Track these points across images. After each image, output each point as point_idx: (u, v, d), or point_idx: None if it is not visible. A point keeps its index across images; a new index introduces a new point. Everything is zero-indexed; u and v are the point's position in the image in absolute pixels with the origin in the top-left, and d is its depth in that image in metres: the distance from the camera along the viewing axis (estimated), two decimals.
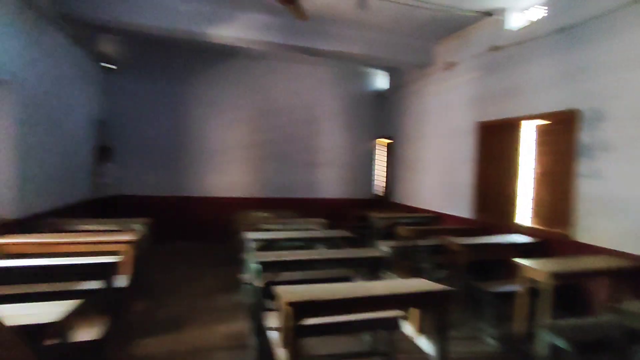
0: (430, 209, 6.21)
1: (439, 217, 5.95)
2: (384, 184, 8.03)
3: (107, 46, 6.44)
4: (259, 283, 3.00)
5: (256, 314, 3.03)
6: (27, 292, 2.50)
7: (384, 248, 4.34)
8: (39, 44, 4.13)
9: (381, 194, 8.10)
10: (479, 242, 4.05)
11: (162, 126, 6.89)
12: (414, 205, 6.73)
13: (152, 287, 4.52)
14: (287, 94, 7.58)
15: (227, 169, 7.27)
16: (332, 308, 2.15)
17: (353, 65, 7.78)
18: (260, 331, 2.92)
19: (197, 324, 3.63)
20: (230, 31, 5.24)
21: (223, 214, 6.50)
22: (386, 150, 8.04)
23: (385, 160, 8.05)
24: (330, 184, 7.90)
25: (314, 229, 4.80)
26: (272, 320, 2.69)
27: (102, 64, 6.31)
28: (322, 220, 5.08)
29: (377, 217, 5.72)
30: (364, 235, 5.68)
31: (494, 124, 5.00)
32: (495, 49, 4.91)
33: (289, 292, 2.13)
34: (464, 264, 3.85)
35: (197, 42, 6.12)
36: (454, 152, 5.73)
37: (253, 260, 3.09)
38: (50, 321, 1.74)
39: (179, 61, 6.95)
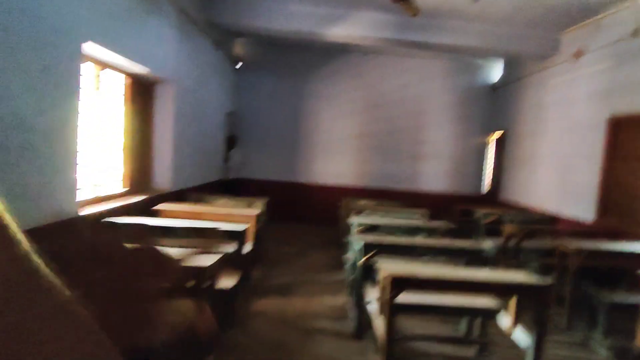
0: (541, 208, 5.81)
1: (551, 218, 5.54)
2: (491, 180, 7.67)
3: (238, 47, 7.40)
4: (360, 262, 3.33)
5: (356, 289, 3.37)
6: (182, 245, 3.22)
7: (487, 244, 4.29)
8: (189, 47, 5.04)
9: (488, 190, 7.76)
10: (599, 248, 3.75)
11: (280, 117, 7.68)
12: (523, 203, 6.34)
13: (267, 257, 5.20)
14: (396, 87, 7.73)
15: (335, 158, 7.77)
16: (430, 285, 2.35)
17: (464, 58, 7.55)
18: (360, 305, 3.26)
19: (303, 293, 4.13)
20: (344, 30, 5.62)
21: (330, 199, 7.02)
22: (495, 144, 7.65)
23: (494, 155, 7.67)
24: (434, 177, 7.86)
25: (415, 218, 4.94)
26: (371, 295, 2.99)
27: (234, 63, 7.28)
28: (424, 211, 5.19)
29: (482, 213, 5.59)
30: (467, 230, 5.61)
31: (631, 120, 4.47)
32: (637, 33, 4.36)
33: (389, 267, 2.40)
34: (576, 268, 3.62)
35: (314, 41, 6.66)
36: (575, 148, 5.26)
37: (356, 241, 3.43)
38: (206, 265, 2.31)
39: (298, 59, 7.62)
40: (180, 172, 4.95)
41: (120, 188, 4.07)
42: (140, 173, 4.41)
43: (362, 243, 3.26)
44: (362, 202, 5.84)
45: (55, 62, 2.58)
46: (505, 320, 2.90)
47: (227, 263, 2.95)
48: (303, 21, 5.53)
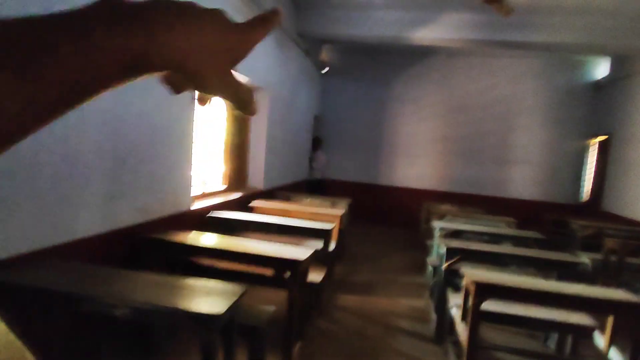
0: None
1: None
2: (591, 189, 6.99)
3: (325, 53, 7.74)
4: (444, 266, 3.37)
5: (439, 293, 3.42)
6: (275, 241, 3.57)
7: (584, 258, 4.01)
8: (283, 56, 5.45)
9: (586, 200, 7.09)
10: None
11: (363, 120, 7.86)
12: (629, 216, 5.71)
13: (350, 255, 5.42)
14: (482, 89, 7.45)
15: (417, 161, 7.73)
16: (517, 295, 2.35)
17: (561, 55, 6.99)
18: (441, 309, 3.31)
19: (385, 292, 4.27)
20: (431, 33, 5.60)
21: (411, 202, 7.04)
22: (597, 149, 6.95)
23: (595, 161, 6.98)
24: (523, 183, 7.40)
25: (501, 226, 4.78)
26: (454, 300, 3.03)
27: (321, 68, 7.63)
28: (511, 220, 4.99)
29: (579, 224, 5.18)
30: (560, 242, 5.25)
31: None
32: None
33: (474, 273, 2.45)
34: None
35: (398, 45, 6.72)
36: None
37: (440, 246, 3.47)
38: (301, 259, 2.58)
39: (382, 62, 7.72)
40: (271, 172, 5.39)
41: (221, 186, 4.59)
42: (238, 172, 4.91)
43: (445, 248, 3.30)
44: (444, 207, 5.78)
45: None
46: (600, 340, 2.74)
47: (316, 258, 3.21)
48: (388, 27, 5.63)
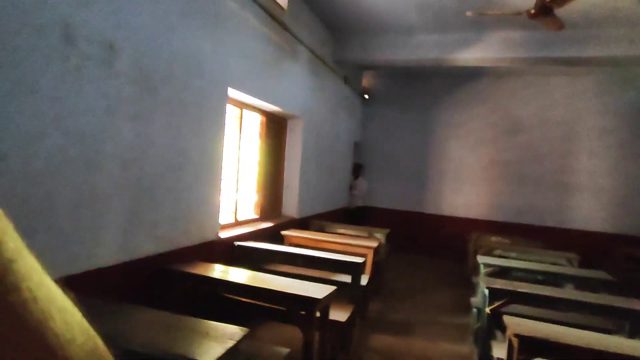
0: None
1: None
2: None
3: (366, 79, 7.65)
4: (487, 309, 2.97)
5: (482, 340, 3.00)
6: (302, 274, 3.39)
7: None
8: (318, 83, 5.41)
9: None
10: None
11: (406, 146, 7.57)
12: None
13: (387, 289, 5.07)
14: (537, 109, 6.88)
15: (464, 188, 7.24)
16: (569, 354, 1.95)
17: (627, 70, 6.28)
18: (485, 358, 2.88)
19: (424, 334, 3.87)
20: (475, 53, 5.29)
21: (458, 233, 6.52)
22: None
23: None
24: (589, 212, 6.59)
25: (561, 263, 4.21)
26: (499, 350, 2.62)
27: (362, 94, 7.54)
28: (573, 255, 4.39)
29: None
30: (635, 285, 4.52)
31: None
32: None
33: (519, 324, 2.08)
34: None
35: (442, 68, 6.45)
36: None
37: (483, 285, 3.08)
38: (317, 296, 2.36)
39: (425, 86, 7.46)
40: (306, 200, 5.26)
41: (253, 214, 4.53)
42: (270, 201, 4.84)
43: (488, 289, 2.91)
44: (494, 239, 5.26)
45: (209, 106, 3.08)
46: None
47: (342, 295, 2.97)
48: (429, 50, 5.40)
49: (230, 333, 1.79)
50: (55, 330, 0.28)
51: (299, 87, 4.81)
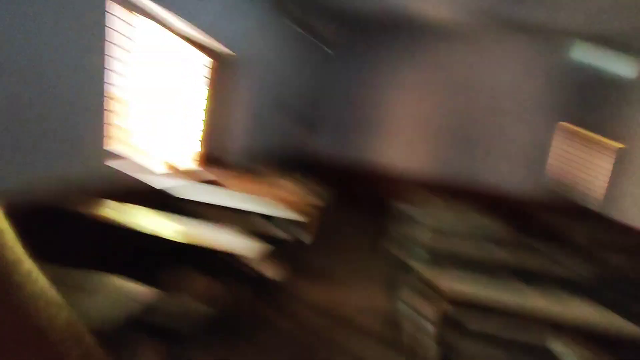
0: None
1: None
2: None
3: (323, 30, 7.19)
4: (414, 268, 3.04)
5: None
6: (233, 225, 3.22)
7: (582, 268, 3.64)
8: (269, 26, 4.97)
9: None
10: None
11: (358, 100, 7.42)
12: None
13: (325, 248, 5.09)
14: (480, 73, 6.87)
15: (404, 143, 7.31)
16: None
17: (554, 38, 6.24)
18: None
19: (359, 290, 3.98)
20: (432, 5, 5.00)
21: (392, 187, 6.66)
22: None
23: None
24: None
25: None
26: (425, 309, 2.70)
27: (321, 45, 7.12)
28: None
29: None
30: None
31: None
32: None
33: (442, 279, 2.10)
34: None
35: (402, 23, 6.14)
36: None
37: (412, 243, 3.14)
38: (250, 253, 2.20)
39: (380, 43, 7.19)
40: (242, 141, 5.04)
41: (192, 157, 4.25)
42: (213, 144, 4.54)
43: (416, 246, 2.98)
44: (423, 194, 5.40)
45: None
46: None
47: (276, 251, 2.89)
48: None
49: (135, 293, 1.64)
50: (46, 314, 0.37)
51: (243, 23, 4.41)
